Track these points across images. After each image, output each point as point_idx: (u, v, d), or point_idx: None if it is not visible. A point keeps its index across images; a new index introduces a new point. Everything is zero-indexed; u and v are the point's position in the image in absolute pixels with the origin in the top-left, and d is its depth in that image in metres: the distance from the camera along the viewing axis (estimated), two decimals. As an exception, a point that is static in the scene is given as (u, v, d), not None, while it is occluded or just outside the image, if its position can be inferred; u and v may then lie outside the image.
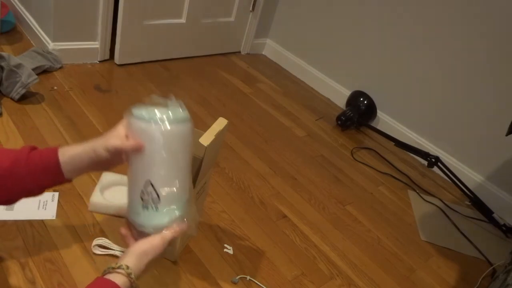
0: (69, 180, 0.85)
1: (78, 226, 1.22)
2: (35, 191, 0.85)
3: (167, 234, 0.78)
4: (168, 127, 0.75)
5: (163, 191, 0.77)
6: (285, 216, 1.51)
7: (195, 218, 0.83)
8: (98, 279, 0.72)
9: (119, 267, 0.72)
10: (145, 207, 0.77)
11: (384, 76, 2.20)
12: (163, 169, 0.77)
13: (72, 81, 1.88)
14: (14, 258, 1.08)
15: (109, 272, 0.73)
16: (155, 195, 0.77)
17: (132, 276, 0.72)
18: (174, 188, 0.78)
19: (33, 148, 0.85)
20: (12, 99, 1.64)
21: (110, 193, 1.34)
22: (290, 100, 2.31)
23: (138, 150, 0.76)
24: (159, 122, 0.74)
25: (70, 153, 0.82)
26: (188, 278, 1.18)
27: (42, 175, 0.83)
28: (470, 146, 1.95)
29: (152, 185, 0.76)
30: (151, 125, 0.74)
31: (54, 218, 1.22)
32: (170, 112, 0.76)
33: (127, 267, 0.72)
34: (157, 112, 0.75)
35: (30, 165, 0.82)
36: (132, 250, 0.76)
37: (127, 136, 0.79)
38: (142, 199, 0.77)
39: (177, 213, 0.78)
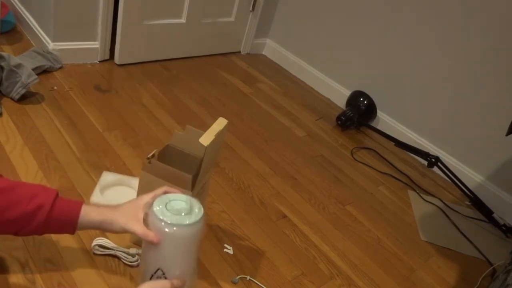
0: (73, 233, 0.93)
1: (78, 226, 1.21)
2: (39, 233, 0.91)
3: (175, 281, 0.85)
4: (183, 232, 0.84)
5: (172, 277, 0.87)
6: (285, 216, 1.51)
7: None
8: None
9: None
10: None
11: (384, 76, 2.20)
12: (173, 262, 0.88)
13: (72, 81, 1.88)
14: (14, 258, 1.08)
15: None
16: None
17: None
18: (181, 275, 0.88)
19: (57, 194, 0.91)
20: (12, 99, 1.64)
21: (110, 193, 1.34)
22: (290, 100, 2.31)
23: (154, 244, 0.84)
24: (176, 228, 0.83)
25: (89, 218, 0.90)
26: (188, 278, 1.18)
27: (57, 226, 0.90)
28: (470, 146, 1.95)
29: (163, 272, 0.87)
30: (169, 229, 0.83)
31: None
32: (186, 214, 0.85)
33: None
34: (175, 215, 0.84)
35: (51, 215, 0.88)
36: (143, 285, 0.83)
37: (144, 220, 0.88)
38: (151, 279, 0.88)
39: None
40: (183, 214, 0.85)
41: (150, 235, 0.84)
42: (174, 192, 0.93)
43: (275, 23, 2.66)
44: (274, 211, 1.52)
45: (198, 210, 0.87)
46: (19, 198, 0.86)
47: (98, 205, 0.95)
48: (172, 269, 0.87)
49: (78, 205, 0.91)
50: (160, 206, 0.86)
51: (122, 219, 0.90)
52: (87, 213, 0.91)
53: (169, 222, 0.83)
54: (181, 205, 0.87)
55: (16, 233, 0.89)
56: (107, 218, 0.91)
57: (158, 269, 0.87)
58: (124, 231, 0.90)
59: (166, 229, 0.83)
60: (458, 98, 1.95)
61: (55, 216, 0.88)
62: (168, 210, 0.85)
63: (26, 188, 0.89)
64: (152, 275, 0.88)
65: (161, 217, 0.83)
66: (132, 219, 0.89)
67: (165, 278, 0.87)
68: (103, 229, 0.93)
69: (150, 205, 0.88)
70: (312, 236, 1.46)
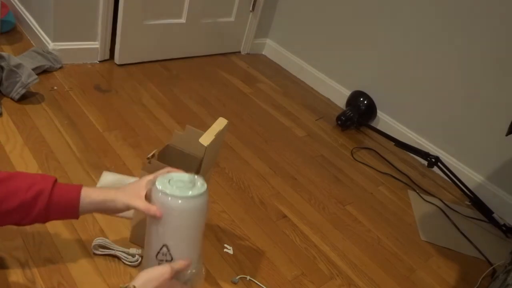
0: (78, 217, 0.92)
1: (78, 226, 1.21)
2: (42, 221, 0.89)
3: (175, 264, 0.85)
4: (186, 205, 0.84)
5: (177, 254, 0.86)
6: (285, 216, 1.51)
7: (202, 274, 0.94)
8: None
9: (126, 287, 0.78)
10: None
11: (384, 76, 2.20)
12: (178, 237, 0.87)
13: (72, 81, 1.88)
14: (14, 258, 1.08)
15: None
16: (169, 257, 0.87)
17: None
18: (187, 252, 0.88)
19: (55, 180, 0.89)
20: (12, 99, 1.64)
21: (110, 193, 1.34)
22: (290, 100, 2.31)
23: (157, 218, 0.84)
24: (178, 200, 0.83)
25: (90, 199, 0.89)
26: (188, 278, 1.18)
27: (58, 212, 0.89)
28: (470, 146, 1.95)
29: (168, 249, 0.86)
30: (171, 201, 0.83)
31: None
32: (188, 188, 0.85)
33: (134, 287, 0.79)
34: (177, 189, 0.84)
35: (51, 201, 0.87)
36: (141, 274, 0.83)
37: (146, 196, 0.88)
38: (157, 258, 0.87)
39: (188, 272, 0.88)
40: (185, 187, 0.84)
41: (153, 209, 0.84)
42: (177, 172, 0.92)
43: (275, 23, 2.66)
44: (274, 211, 1.52)
45: (201, 184, 0.87)
46: (17, 188, 0.85)
47: (98, 187, 0.94)
48: (177, 245, 0.86)
49: (78, 188, 0.90)
50: (163, 182, 0.85)
51: (125, 197, 0.89)
52: (88, 195, 0.90)
53: (172, 194, 0.82)
54: (184, 180, 0.86)
55: (18, 223, 0.88)
56: (110, 196, 0.90)
57: (163, 246, 0.86)
58: (127, 208, 0.89)
59: (170, 202, 0.82)
60: (458, 98, 1.95)
61: (55, 201, 0.87)
62: (170, 185, 0.84)
63: (24, 177, 0.88)
64: (158, 253, 0.86)
65: (164, 191, 0.83)
66: (134, 195, 0.88)
67: (170, 255, 0.86)
68: (105, 209, 0.91)
69: (153, 182, 0.87)
70: (312, 236, 1.46)
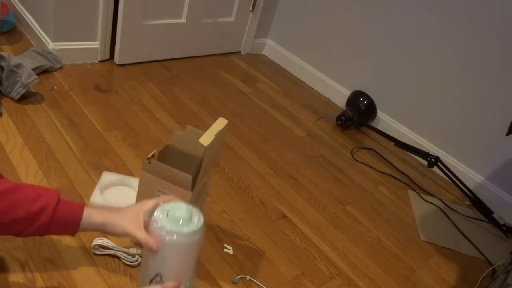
0: (74, 235, 0.94)
1: (78, 226, 1.21)
2: (41, 234, 0.91)
3: (167, 284, 0.88)
4: (181, 241, 0.86)
5: (169, 283, 0.89)
6: (285, 216, 1.51)
7: None
8: None
9: None
10: None
11: (384, 76, 2.20)
12: (171, 268, 0.90)
13: (72, 81, 1.88)
14: (14, 258, 1.08)
15: None
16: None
17: None
18: (179, 282, 0.91)
19: (59, 195, 0.91)
20: (12, 99, 1.64)
21: (110, 193, 1.34)
22: (290, 100, 2.31)
23: (154, 252, 0.86)
24: (174, 236, 0.85)
25: (91, 220, 0.92)
26: (188, 278, 1.18)
27: (59, 228, 0.91)
28: (470, 146, 1.95)
29: (161, 277, 0.89)
30: (167, 237, 0.86)
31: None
32: (185, 223, 0.87)
33: None
34: (174, 223, 0.87)
35: (54, 217, 0.88)
36: None
37: (145, 225, 0.90)
38: (150, 285, 0.90)
39: None
40: (182, 222, 0.87)
41: (151, 242, 0.86)
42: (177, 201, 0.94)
43: (275, 23, 2.66)
44: (274, 211, 1.52)
45: (197, 220, 0.89)
46: (22, 200, 0.86)
47: (100, 207, 0.96)
48: (169, 275, 0.89)
49: (81, 207, 0.92)
50: (161, 214, 0.88)
51: (125, 223, 0.91)
52: (90, 215, 0.92)
53: (168, 230, 0.85)
54: (182, 214, 0.89)
55: (18, 234, 0.89)
56: (110, 220, 0.92)
57: (156, 274, 0.89)
58: (126, 234, 0.91)
59: (166, 237, 0.86)
60: (458, 98, 1.95)
61: (58, 218, 0.89)
62: (168, 218, 0.87)
63: (29, 190, 0.89)
64: (151, 280, 0.90)
65: (161, 225, 0.86)
66: (134, 223, 0.90)
67: (162, 283, 0.89)
68: (104, 230, 0.94)
69: (151, 212, 0.90)
70: (312, 236, 1.46)
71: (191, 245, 0.89)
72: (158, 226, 0.86)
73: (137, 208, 0.94)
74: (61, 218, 0.89)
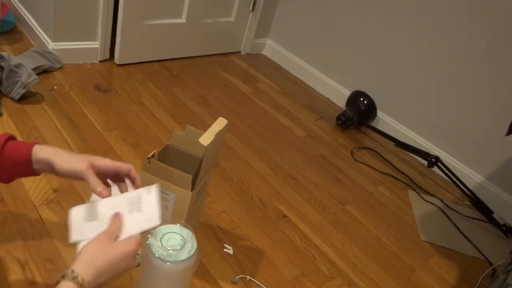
0: (39, 174, 0.90)
1: (78, 226, 1.21)
2: (4, 179, 0.90)
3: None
4: (173, 268, 0.87)
5: None
6: (285, 216, 1.51)
7: None
8: None
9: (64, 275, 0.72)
10: None
11: (384, 76, 2.20)
12: None
13: (72, 81, 1.88)
14: (14, 258, 1.08)
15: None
16: None
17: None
18: None
19: (11, 138, 0.89)
20: (12, 99, 1.64)
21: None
22: (290, 100, 2.31)
23: (102, 196, 0.83)
24: (166, 263, 0.87)
25: (36, 156, 0.86)
26: (188, 278, 1.18)
27: (13, 167, 0.88)
28: (470, 146, 1.95)
29: None
30: (159, 263, 0.87)
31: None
32: (178, 249, 0.88)
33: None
34: (167, 249, 0.88)
35: (3, 156, 0.86)
36: (82, 252, 0.77)
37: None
38: None
39: None
40: (176, 248, 0.89)
41: (99, 188, 0.82)
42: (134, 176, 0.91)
43: (275, 23, 2.66)
44: (274, 211, 1.52)
45: (191, 246, 0.90)
46: None
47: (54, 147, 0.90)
48: None
49: (32, 144, 0.87)
50: (156, 238, 0.89)
51: (77, 164, 0.85)
52: (38, 150, 0.86)
53: (160, 257, 0.87)
54: (176, 240, 0.90)
55: None
56: (57, 157, 0.85)
57: None
58: (75, 175, 0.84)
59: (158, 263, 0.87)
60: (458, 98, 1.95)
61: (6, 155, 0.86)
62: (162, 243, 0.89)
63: None
64: None
65: (153, 251, 0.87)
66: (85, 163, 0.84)
67: None
68: (53, 170, 0.86)
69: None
70: (312, 236, 1.46)
71: (183, 271, 0.90)
72: (150, 251, 0.87)
73: (88, 156, 0.87)
74: (9, 157, 0.86)
